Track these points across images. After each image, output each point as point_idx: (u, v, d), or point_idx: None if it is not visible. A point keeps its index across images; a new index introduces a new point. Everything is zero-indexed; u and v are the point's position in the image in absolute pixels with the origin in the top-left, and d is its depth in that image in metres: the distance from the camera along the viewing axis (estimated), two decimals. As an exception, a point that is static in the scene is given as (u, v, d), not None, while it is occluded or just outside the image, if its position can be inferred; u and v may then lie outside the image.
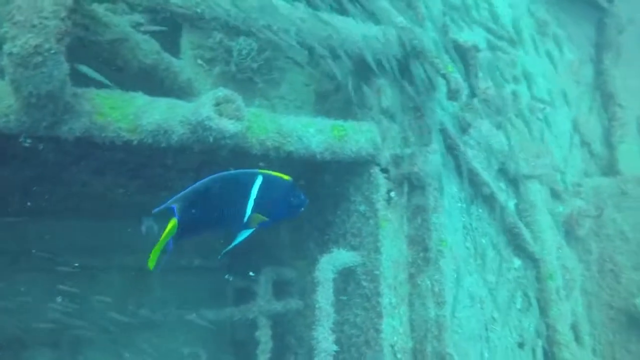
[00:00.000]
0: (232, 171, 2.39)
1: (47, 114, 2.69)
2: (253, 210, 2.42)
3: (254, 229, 2.52)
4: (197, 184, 2.31)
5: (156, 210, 2.28)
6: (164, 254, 2.35)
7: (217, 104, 2.93)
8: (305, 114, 4.45)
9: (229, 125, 2.88)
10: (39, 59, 2.33)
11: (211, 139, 2.92)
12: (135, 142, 3.02)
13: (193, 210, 2.31)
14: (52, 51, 2.34)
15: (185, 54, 4.30)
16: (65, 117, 2.77)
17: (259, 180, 2.39)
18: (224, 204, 2.39)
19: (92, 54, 3.31)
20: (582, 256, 4.54)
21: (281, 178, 2.43)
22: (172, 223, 2.27)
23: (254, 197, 2.39)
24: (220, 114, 2.91)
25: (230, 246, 2.55)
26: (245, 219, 2.44)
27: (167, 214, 2.32)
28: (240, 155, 3.25)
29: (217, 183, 2.34)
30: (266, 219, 2.48)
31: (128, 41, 3.45)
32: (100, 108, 2.90)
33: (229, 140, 2.95)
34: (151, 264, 2.29)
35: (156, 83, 3.68)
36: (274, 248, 4.57)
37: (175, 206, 2.28)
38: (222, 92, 2.97)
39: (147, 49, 3.59)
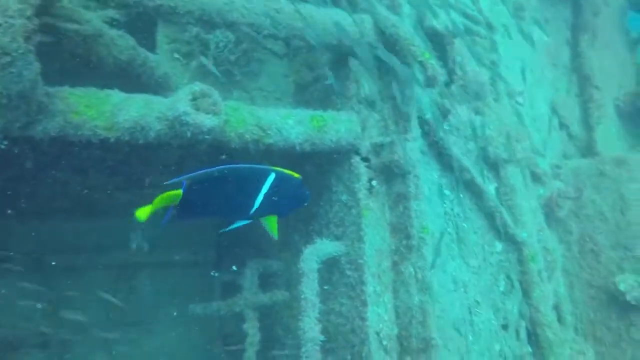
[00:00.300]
0: (247, 165, 2.49)
1: (20, 114, 2.65)
2: (260, 205, 2.52)
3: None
4: (211, 169, 2.39)
5: (166, 183, 2.35)
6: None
7: (194, 99, 2.92)
8: (284, 105, 4.45)
9: (205, 120, 2.87)
10: (7, 59, 2.29)
11: (189, 134, 2.91)
12: (112, 140, 3.00)
13: (200, 192, 2.38)
14: (20, 51, 2.30)
15: (161, 48, 4.26)
16: (39, 117, 2.73)
17: (271, 177, 2.49)
18: (233, 194, 2.48)
19: (66, 51, 3.27)
20: (563, 237, 4.60)
21: (291, 176, 2.54)
22: (177, 192, 2.34)
23: (264, 192, 2.50)
24: (197, 109, 2.90)
25: (230, 227, 2.63)
26: (252, 211, 2.53)
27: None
28: (220, 149, 3.25)
29: (230, 173, 2.42)
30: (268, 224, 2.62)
31: (102, 37, 3.41)
32: (75, 107, 2.87)
33: (206, 135, 2.94)
34: (141, 215, 2.31)
35: (132, 79, 3.65)
36: (259, 241, 4.57)
37: (185, 182, 2.35)
38: (198, 86, 2.96)
39: (122, 44, 3.55)
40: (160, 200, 2.34)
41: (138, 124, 2.99)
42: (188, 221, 2.52)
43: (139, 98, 3.11)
